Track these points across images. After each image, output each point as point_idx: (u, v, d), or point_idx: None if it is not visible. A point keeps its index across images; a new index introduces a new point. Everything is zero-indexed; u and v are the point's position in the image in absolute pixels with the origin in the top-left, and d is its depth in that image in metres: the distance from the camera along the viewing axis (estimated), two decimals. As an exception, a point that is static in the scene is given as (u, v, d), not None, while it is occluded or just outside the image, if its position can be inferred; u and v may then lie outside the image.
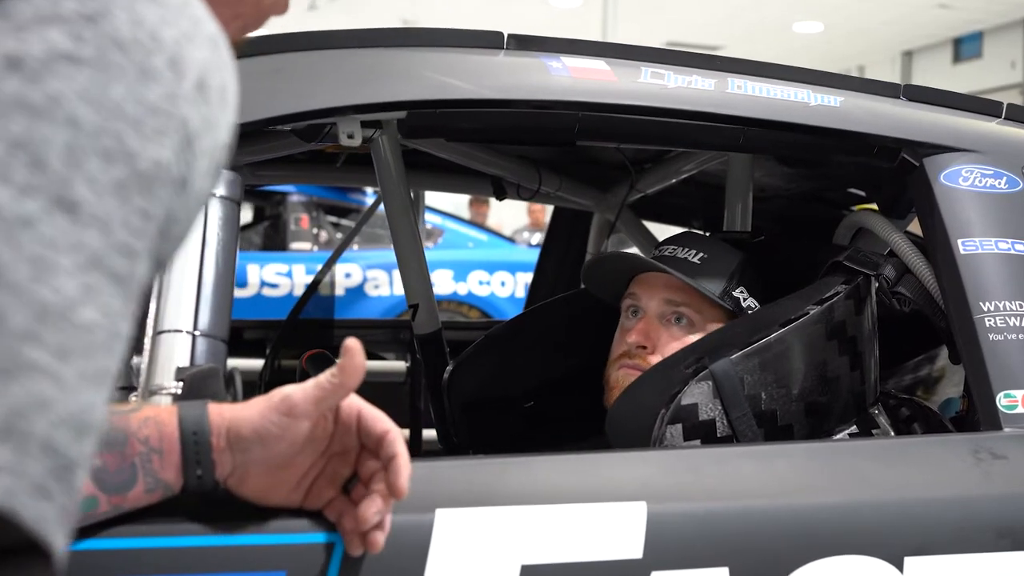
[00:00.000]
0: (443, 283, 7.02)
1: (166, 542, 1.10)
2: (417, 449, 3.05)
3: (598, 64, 1.60)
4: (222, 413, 1.04)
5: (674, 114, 1.60)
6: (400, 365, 3.20)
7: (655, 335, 1.75)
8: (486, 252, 7.37)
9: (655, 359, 1.73)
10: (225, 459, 1.04)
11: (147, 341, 1.25)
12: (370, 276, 6.70)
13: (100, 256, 0.48)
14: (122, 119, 0.49)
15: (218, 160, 0.56)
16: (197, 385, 1.19)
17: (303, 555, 1.12)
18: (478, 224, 8.49)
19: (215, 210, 1.34)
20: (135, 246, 0.50)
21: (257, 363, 3.08)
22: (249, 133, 1.97)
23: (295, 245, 6.99)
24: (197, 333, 1.26)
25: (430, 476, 1.23)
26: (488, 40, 1.58)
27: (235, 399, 1.19)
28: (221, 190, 1.36)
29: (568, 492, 1.25)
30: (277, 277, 6.67)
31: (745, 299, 1.77)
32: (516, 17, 12.25)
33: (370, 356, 3.28)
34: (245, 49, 1.48)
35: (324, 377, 1.04)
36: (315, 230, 7.09)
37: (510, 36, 1.59)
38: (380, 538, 1.09)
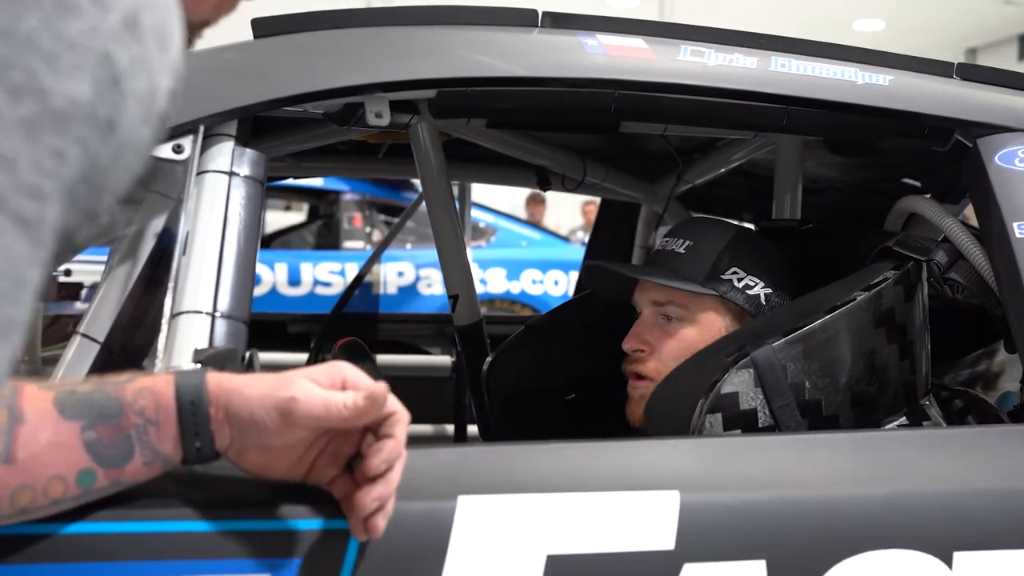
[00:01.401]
0: (496, 281, 6.99)
1: (179, 526, 1.06)
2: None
3: (635, 42, 1.55)
4: (221, 383, 1.00)
5: (715, 93, 1.55)
6: (445, 360, 3.18)
7: (650, 336, 1.72)
8: (539, 251, 7.32)
9: (653, 362, 1.70)
10: (224, 431, 1.00)
11: (165, 323, 1.22)
12: (423, 275, 6.68)
13: (2, 197, 0.45)
14: (34, 52, 0.46)
15: (158, 107, 0.53)
16: (215, 367, 1.16)
17: (319, 542, 1.08)
18: (533, 223, 8.44)
19: (238, 189, 1.31)
20: (45, 188, 0.46)
21: (301, 357, 3.08)
22: (287, 121, 1.97)
23: (348, 244, 6.98)
24: (217, 314, 1.23)
25: (452, 462, 1.19)
26: (522, 18, 1.54)
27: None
28: (245, 169, 1.33)
29: (597, 479, 1.20)
30: (330, 275, 6.67)
31: (741, 279, 1.71)
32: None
33: (415, 350, 3.30)
34: (271, 27, 1.46)
35: (336, 403, 0.99)
36: (368, 229, 7.08)
37: (545, 13, 1.55)
38: (381, 523, 1.04)
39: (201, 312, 1.22)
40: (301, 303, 6.49)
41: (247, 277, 1.27)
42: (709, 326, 1.69)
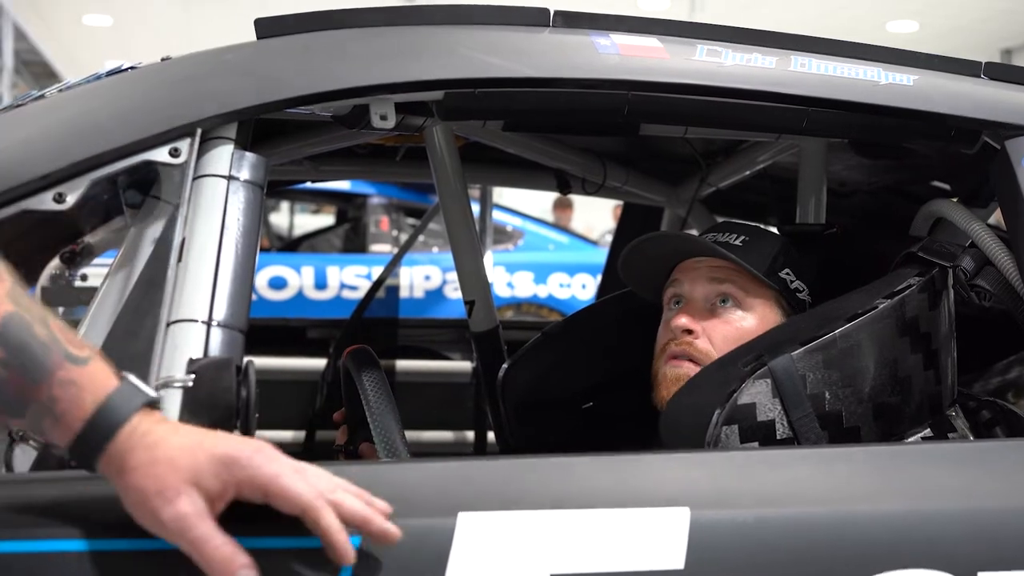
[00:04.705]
0: (523, 285, 6.96)
1: (165, 544, 1.03)
2: (482, 453, 2.99)
3: (650, 41, 1.51)
4: (145, 438, 0.99)
5: (731, 94, 1.50)
6: (465, 365, 3.14)
7: (701, 318, 1.65)
8: (567, 254, 7.28)
9: (703, 344, 1.63)
10: (111, 469, 0.99)
11: (160, 332, 1.18)
12: (449, 279, 6.66)
13: None
14: None
15: None
16: (209, 378, 1.13)
17: (312, 561, 1.04)
18: (560, 227, 8.40)
19: (237, 194, 1.28)
20: None
21: (320, 362, 3.05)
22: (301, 123, 1.93)
23: (375, 247, 6.98)
24: (213, 323, 1.19)
25: (452, 477, 1.15)
26: (533, 17, 1.50)
27: (249, 393, 1.12)
28: (245, 173, 1.29)
29: (603, 496, 1.15)
30: (357, 279, 6.66)
31: (792, 281, 1.67)
32: (602, 19, 12.12)
33: (436, 356, 3.26)
34: (274, 28, 1.43)
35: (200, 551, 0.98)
36: (395, 232, 7.07)
37: (556, 13, 1.51)
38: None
39: (196, 321, 1.18)
40: (328, 307, 6.49)
41: (245, 285, 1.23)
42: (762, 319, 1.64)
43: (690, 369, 1.62)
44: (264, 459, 1.01)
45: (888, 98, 1.53)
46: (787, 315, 1.66)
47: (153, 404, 1.04)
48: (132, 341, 1.26)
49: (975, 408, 1.64)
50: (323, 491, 1.02)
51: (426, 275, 6.70)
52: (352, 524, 1.02)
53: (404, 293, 6.46)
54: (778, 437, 1.42)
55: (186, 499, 0.98)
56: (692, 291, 1.68)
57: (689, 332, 1.64)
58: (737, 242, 1.68)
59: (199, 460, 0.99)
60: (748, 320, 1.64)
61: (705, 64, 1.49)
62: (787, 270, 1.67)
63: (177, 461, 0.99)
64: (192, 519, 0.97)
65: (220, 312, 1.20)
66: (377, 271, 6.54)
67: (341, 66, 1.38)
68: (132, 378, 1.05)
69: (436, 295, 6.71)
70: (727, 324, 1.64)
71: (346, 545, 1.01)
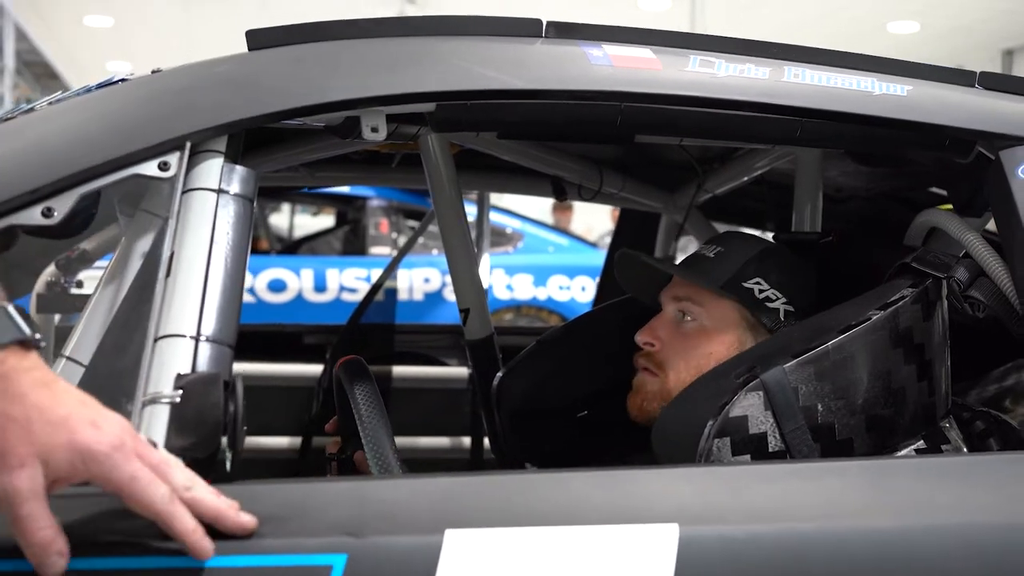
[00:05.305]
0: (523, 288, 6.96)
1: (143, 563, 1.02)
2: (479, 459, 2.98)
3: (642, 52, 1.51)
4: (5, 383, 0.96)
5: (725, 105, 1.49)
6: (462, 371, 3.13)
7: (662, 333, 1.73)
8: (566, 257, 7.28)
9: (662, 356, 1.71)
10: None
11: (148, 346, 1.18)
12: (449, 281, 6.65)
13: None
14: None
15: None
16: (197, 393, 1.12)
17: (298, 578, 1.04)
18: (560, 229, 8.40)
19: (226, 207, 1.27)
20: None
21: (316, 368, 3.04)
22: (297, 131, 1.93)
23: (375, 250, 6.97)
24: (201, 338, 1.18)
25: (439, 493, 1.14)
26: (525, 28, 1.50)
27: (236, 409, 1.12)
28: (234, 187, 1.29)
29: (590, 512, 1.15)
30: (356, 282, 6.66)
31: (763, 291, 1.69)
32: (603, 21, 12.11)
33: (432, 362, 3.26)
34: (266, 39, 1.42)
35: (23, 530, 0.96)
36: (395, 235, 7.07)
37: (549, 23, 1.51)
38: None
39: (184, 336, 1.18)
40: (327, 309, 6.48)
41: (234, 299, 1.22)
42: (722, 331, 1.69)
43: (647, 379, 1.72)
44: (122, 458, 0.98)
45: (882, 108, 1.52)
46: (752, 325, 1.69)
47: (27, 344, 0.99)
48: (121, 356, 1.26)
49: (969, 419, 1.63)
50: (179, 488, 1.01)
51: (425, 278, 6.70)
52: (207, 520, 1.02)
53: (403, 296, 6.46)
54: (770, 450, 1.41)
55: (27, 473, 0.95)
56: (665, 306, 1.76)
57: (650, 344, 1.72)
58: (711, 254, 1.74)
59: (56, 441, 0.96)
60: (705, 333, 1.69)
61: (698, 75, 1.49)
62: (757, 279, 1.69)
63: (33, 430, 0.95)
64: (25, 495, 0.95)
65: (208, 327, 1.19)
66: (376, 274, 6.53)
67: (332, 78, 1.38)
68: (11, 310, 1.01)
69: (435, 298, 6.70)
70: (684, 337, 1.71)
71: (201, 543, 1.01)
